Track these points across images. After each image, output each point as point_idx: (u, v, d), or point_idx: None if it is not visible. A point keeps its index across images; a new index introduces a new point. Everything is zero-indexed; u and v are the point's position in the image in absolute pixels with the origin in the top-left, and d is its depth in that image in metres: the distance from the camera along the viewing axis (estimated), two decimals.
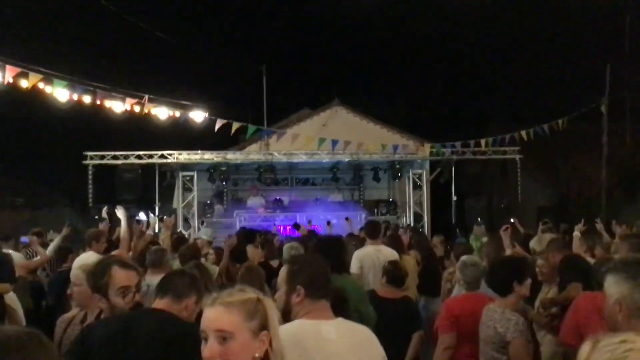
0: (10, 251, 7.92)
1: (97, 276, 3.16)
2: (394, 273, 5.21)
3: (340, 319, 2.61)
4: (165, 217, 11.15)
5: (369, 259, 5.89)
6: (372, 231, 6.88)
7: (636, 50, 21.71)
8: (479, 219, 12.51)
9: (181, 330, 2.74)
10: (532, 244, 6.71)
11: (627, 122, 23.00)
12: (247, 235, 9.62)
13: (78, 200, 18.18)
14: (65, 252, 7.62)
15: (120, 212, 6.61)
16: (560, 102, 20.65)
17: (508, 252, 6.58)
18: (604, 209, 18.81)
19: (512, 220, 10.72)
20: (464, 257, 5.03)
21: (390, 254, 6.55)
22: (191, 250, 6.35)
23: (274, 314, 2.03)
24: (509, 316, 3.93)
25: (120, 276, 3.13)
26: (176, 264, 5.91)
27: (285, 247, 6.82)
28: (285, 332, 2.46)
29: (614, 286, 2.27)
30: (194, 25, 33.12)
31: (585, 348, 1.59)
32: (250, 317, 1.95)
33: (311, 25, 33.80)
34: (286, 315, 2.57)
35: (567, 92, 24.68)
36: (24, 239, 8.82)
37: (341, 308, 3.04)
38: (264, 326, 1.97)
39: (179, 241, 7.69)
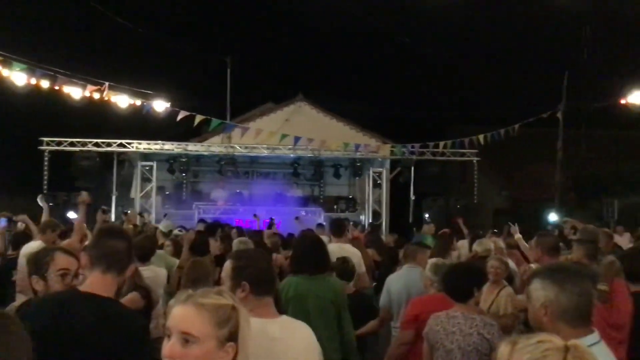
0: None
1: (39, 259, 3.20)
2: (343, 268, 5.26)
3: (284, 317, 2.65)
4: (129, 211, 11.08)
5: (333, 256, 5.95)
6: (337, 229, 6.94)
7: (593, 59, 22.37)
8: (426, 216, 12.68)
9: (127, 325, 2.68)
10: (475, 246, 6.93)
11: (583, 129, 23.71)
12: (209, 228, 9.61)
13: (33, 187, 17.76)
14: (20, 239, 7.46)
15: (80, 200, 6.49)
16: (520, 107, 21.11)
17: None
18: (557, 213, 19.34)
19: (458, 220, 10.89)
20: (435, 260, 5.07)
21: (353, 252, 6.64)
22: (149, 241, 6.29)
23: (246, 326, 1.90)
24: (489, 321, 3.96)
25: (61, 259, 3.18)
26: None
27: (235, 242, 6.84)
28: None
29: (540, 290, 2.38)
30: (159, 13, 32.63)
31: (504, 349, 1.61)
32: (220, 324, 1.84)
33: (278, 18, 33.69)
34: None
35: (527, 98, 25.25)
36: None
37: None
38: (232, 337, 1.86)
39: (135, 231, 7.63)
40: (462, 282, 4.10)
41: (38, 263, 3.21)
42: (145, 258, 5.65)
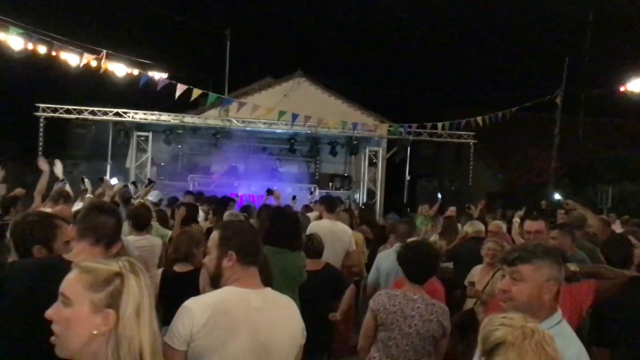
0: None
1: (46, 230, 3.11)
2: (308, 246, 5.29)
3: (268, 289, 2.67)
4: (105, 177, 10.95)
5: (323, 231, 6.00)
6: (329, 206, 7.01)
7: (595, 46, 22.27)
8: (439, 194, 12.70)
9: None
10: (466, 227, 7.00)
11: (581, 115, 23.70)
12: (220, 202, 9.46)
13: (28, 152, 17.72)
14: (8, 204, 7.42)
15: (58, 167, 6.41)
16: (519, 92, 21.09)
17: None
18: (550, 198, 19.41)
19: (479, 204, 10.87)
20: (409, 240, 5.09)
21: (343, 228, 6.70)
22: (145, 210, 6.24)
23: (132, 295, 1.79)
24: (445, 308, 3.93)
25: (67, 230, 3.15)
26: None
27: (226, 214, 6.90)
28: (214, 298, 2.52)
29: (547, 269, 2.37)
30: None
31: (485, 321, 1.79)
32: (95, 288, 1.78)
33: None
34: (216, 280, 2.63)
35: (526, 82, 25.20)
36: None
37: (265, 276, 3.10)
38: (111, 304, 1.78)
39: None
40: (421, 264, 4.01)
41: (45, 234, 3.08)
42: (141, 227, 5.59)
